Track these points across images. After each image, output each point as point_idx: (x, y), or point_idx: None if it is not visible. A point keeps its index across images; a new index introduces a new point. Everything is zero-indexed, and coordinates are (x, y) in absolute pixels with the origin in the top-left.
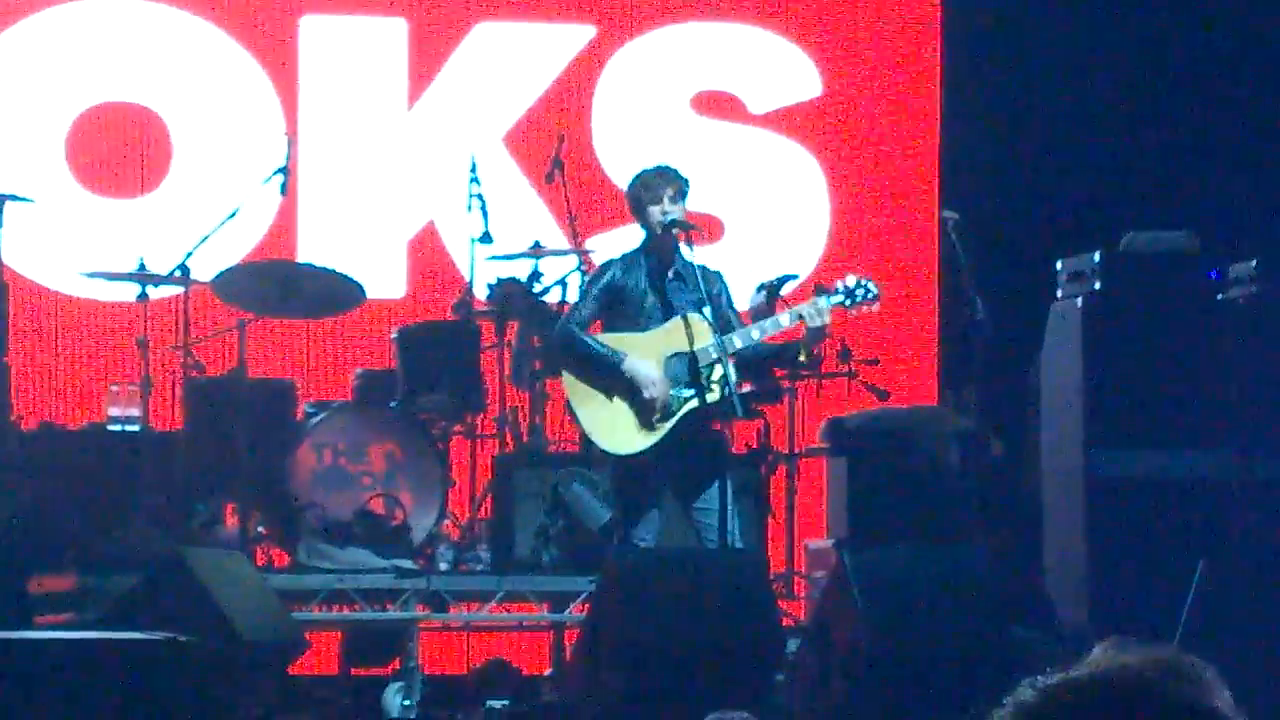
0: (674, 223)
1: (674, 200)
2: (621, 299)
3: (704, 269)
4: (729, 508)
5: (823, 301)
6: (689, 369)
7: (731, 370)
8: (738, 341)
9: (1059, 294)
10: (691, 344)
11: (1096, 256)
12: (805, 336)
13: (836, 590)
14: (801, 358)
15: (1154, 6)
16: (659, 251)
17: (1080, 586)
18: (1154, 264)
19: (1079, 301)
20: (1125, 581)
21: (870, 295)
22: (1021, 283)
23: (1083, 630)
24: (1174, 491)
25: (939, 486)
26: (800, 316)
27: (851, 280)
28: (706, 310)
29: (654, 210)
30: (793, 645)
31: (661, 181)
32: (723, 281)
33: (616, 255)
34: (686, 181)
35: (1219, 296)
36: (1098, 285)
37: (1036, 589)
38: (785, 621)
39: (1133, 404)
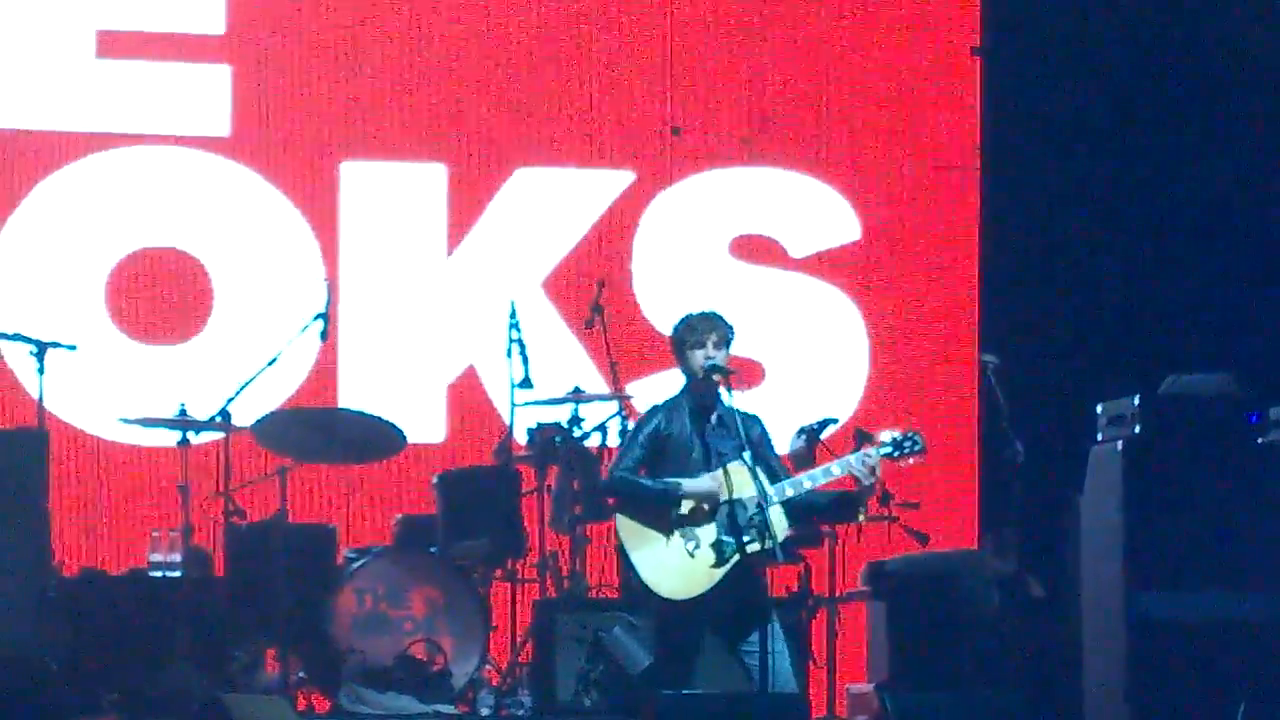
0: (714, 368)
1: (717, 346)
2: (666, 446)
3: (742, 414)
4: (771, 650)
5: (873, 454)
6: (731, 518)
7: (772, 516)
8: (789, 490)
9: (1099, 437)
10: (733, 493)
11: (1136, 400)
12: (860, 491)
13: None
14: (861, 517)
15: (1194, 152)
16: (701, 397)
17: None
18: (1194, 407)
19: (1119, 445)
20: None
21: (918, 448)
22: (1061, 426)
23: None
24: (1215, 634)
25: (979, 630)
26: (850, 467)
27: (899, 433)
28: (747, 455)
29: (696, 355)
30: None
31: (705, 326)
32: (761, 425)
33: (660, 402)
34: (731, 328)
35: (1259, 440)
36: (1138, 429)
37: None
38: None
39: (1174, 547)
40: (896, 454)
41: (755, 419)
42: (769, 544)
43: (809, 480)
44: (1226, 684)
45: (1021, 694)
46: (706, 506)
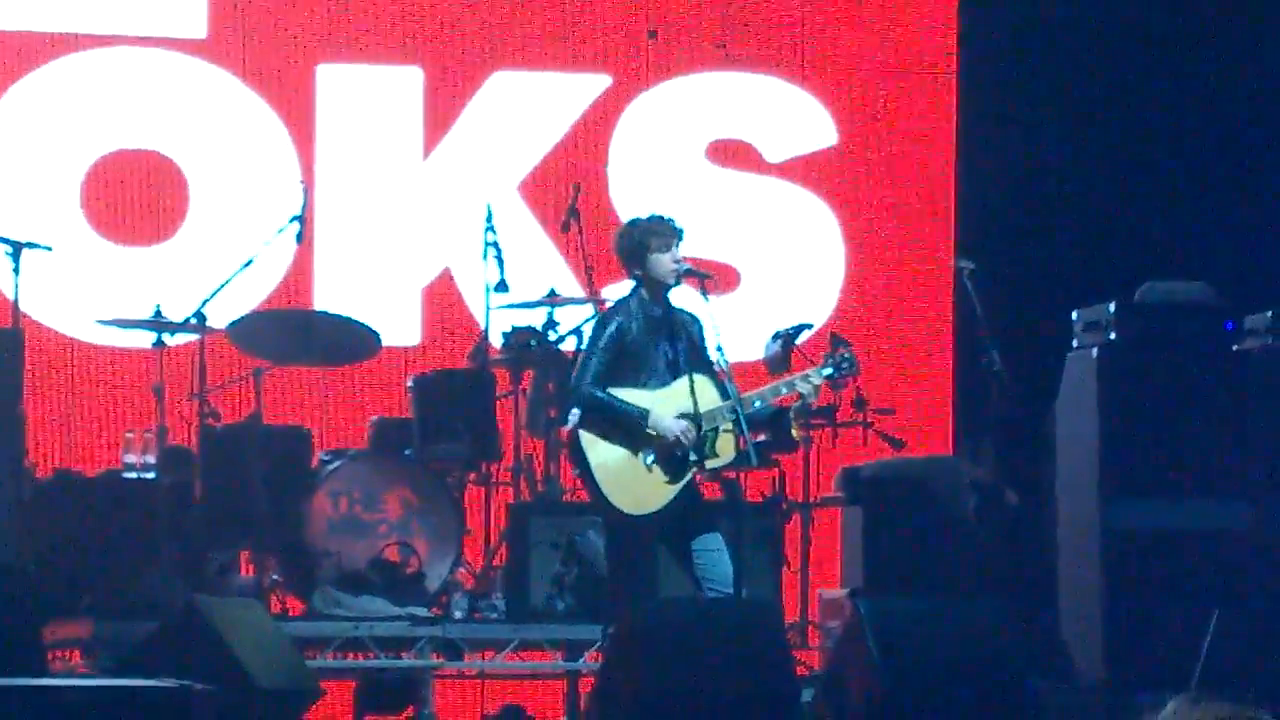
0: (690, 271)
1: (678, 248)
2: (625, 348)
3: (684, 313)
4: (707, 549)
5: (814, 376)
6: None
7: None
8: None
9: (1075, 344)
10: (698, 405)
11: (1112, 307)
12: (796, 410)
13: (851, 640)
14: (795, 434)
15: (1173, 59)
16: (656, 300)
17: (1096, 636)
18: (1170, 315)
19: (1094, 352)
20: (1141, 631)
21: (854, 370)
22: (1037, 333)
23: (1098, 680)
24: (1189, 541)
25: (954, 536)
26: (795, 386)
27: (836, 356)
28: (723, 357)
29: (663, 258)
30: (807, 695)
31: (668, 230)
32: (700, 326)
33: (611, 305)
34: (682, 230)
35: (1234, 348)
36: (1113, 336)
37: (1052, 639)
38: (800, 671)
39: (1148, 454)
40: (836, 374)
41: (695, 319)
42: (746, 447)
43: (759, 400)
44: (1200, 591)
45: (996, 601)
46: (669, 438)
